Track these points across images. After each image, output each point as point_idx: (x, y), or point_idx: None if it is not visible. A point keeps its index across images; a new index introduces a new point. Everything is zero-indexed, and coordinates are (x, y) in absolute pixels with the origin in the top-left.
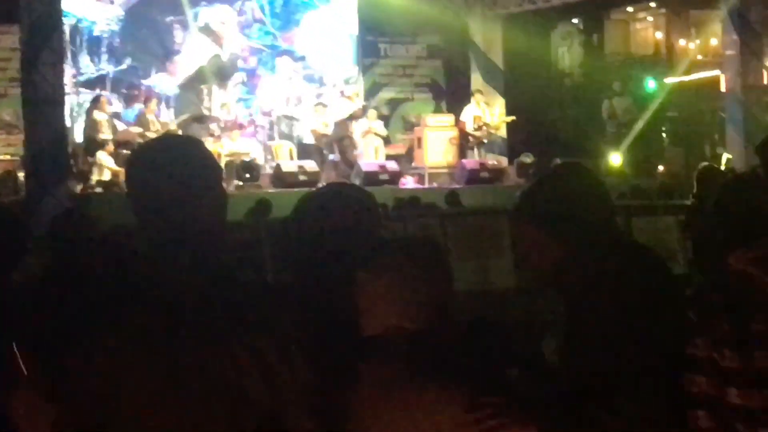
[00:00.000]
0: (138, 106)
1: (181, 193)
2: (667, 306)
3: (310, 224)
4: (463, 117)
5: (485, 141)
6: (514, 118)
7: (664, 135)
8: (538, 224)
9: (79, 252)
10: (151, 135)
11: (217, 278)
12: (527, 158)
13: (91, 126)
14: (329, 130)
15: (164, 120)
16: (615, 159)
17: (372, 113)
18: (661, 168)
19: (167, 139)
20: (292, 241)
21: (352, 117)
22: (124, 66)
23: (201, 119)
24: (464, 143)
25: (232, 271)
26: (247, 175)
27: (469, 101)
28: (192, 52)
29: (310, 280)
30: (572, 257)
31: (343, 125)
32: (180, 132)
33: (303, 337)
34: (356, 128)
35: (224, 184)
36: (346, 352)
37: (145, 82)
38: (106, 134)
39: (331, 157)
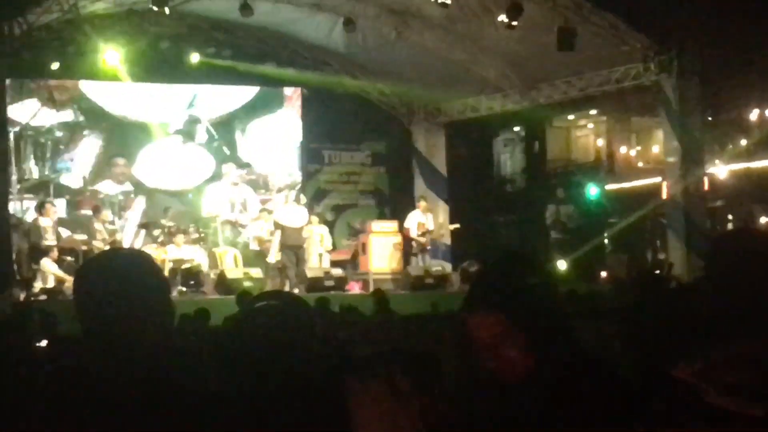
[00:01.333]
0: (85, 212)
1: (129, 307)
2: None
3: (249, 342)
4: (407, 223)
5: (429, 247)
6: (458, 226)
7: (606, 241)
8: (499, 311)
9: (19, 365)
10: (98, 243)
11: (163, 390)
12: (472, 266)
13: (36, 232)
14: (274, 237)
15: (111, 228)
16: (561, 265)
17: (315, 219)
18: (603, 274)
19: (116, 252)
20: (234, 355)
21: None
22: (68, 171)
23: (146, 226)
24: (408, 249)
25: (177, 382)
26: (191, 282)
27: (413, 207)
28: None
29: (252, 392)
30: (538, 347)
31: (297, 233)
32: (126, 239)
33: None
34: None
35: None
36: None
37: (90, 187)
38: (50, 241)
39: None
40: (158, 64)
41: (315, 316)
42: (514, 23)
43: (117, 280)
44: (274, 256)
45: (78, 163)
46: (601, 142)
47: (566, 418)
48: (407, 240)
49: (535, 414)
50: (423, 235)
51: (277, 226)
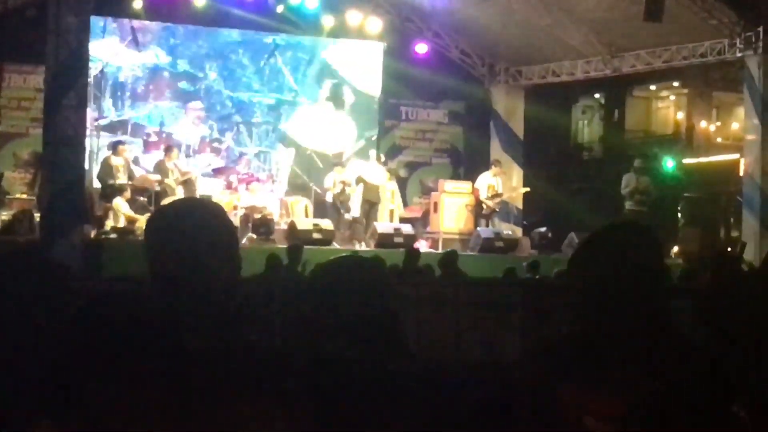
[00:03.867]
0: (157, 153)
1: (197, 256)
2: None
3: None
4: (477, 184)
5: (497, 210)
6: (528, 189)
7: (679, 215)
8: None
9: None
10: (170, 182)
11: (228, 338)
12: (542, 230)
13: (108, 171)
14: (353, 191)
15: (184, 169)
16: None
17: (387, 175)
18: (675, 249)
19: (189, 202)
20: (309, 309)
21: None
22: (146, 112)
23: (220, 171)
24: (478, 211)
25: (242, 331)
26: (261, 230)
27: (487, 169)
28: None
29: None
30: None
31: (376, 190)
32: (200, 181)
33: (311, 404)
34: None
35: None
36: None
37: (166, 129)
38: (122, 180)
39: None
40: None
41: (390, 275)
42: None
43: (188, 228)
44: (357, 210)
45: (155, 105)
46: (680, 115)
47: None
48: (477, 202)
49: None
50: (492, 198)
51: (359, 180)
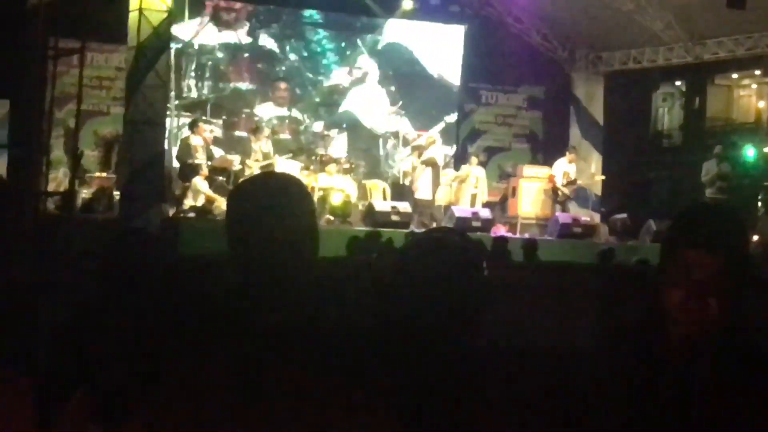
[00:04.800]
0: (240, 134)
1: (278, 232)
2: None
3: (413, 273)
4: (553, 170)
5: (572, 197)
6: (604, 177)
7: (759, 204)
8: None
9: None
10: (251, 163)
11: (307, 317)
12: (621, 216)
13: (187, 150)
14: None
15: (266, 150)
16: None
17: (474, 160)
18: (755, 237)
19: (271, 176)
20: (391, 287)
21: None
22: (227, 92)
23: (299, 151)
24: (553, 197)
25: (320, 311)
26: (339, 212)
27: (564, 155)
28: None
29: (404, 330)
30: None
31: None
32: (279, 162)
33: (389, 386)
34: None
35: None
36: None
37: (247, 110)
38: (201, 159)
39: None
40: None
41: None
42: None
43: (268, 202)
44: (443, 194)
45: (235, 85)
46: (762, 104)
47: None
48: (553, 188)
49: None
50: (567, 185)
51: (433, 165)
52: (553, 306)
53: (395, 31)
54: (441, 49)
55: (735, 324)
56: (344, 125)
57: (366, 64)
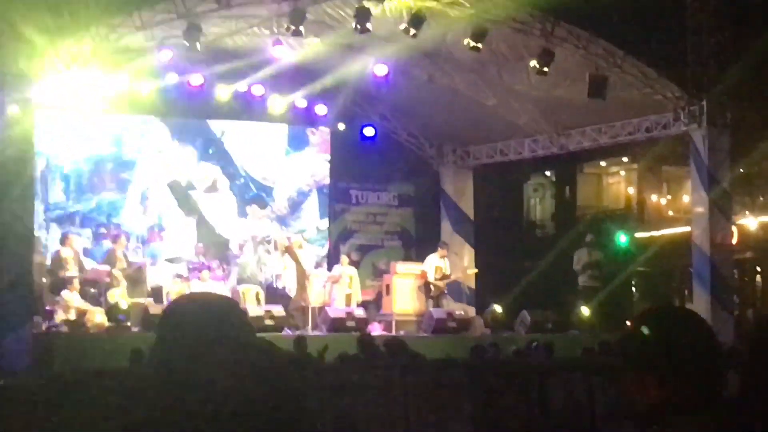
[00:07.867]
0: (107, 244)
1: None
2: None
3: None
4: (424, 266)
5: (445, 291)
6: (476, 270)
7: (633, 289)
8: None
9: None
10: (117, 273)
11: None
12: (497, 309)
13: (58, 263)
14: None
15: (132, 259)
16: (585, 311)
17: (345, 260)
18: (629, 323)
19: (206, 296)
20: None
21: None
22: (92, 204)
23: (172, 260)
24: (427, 292)
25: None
26: None
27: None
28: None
29: None
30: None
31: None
32: (149, 270)
33: None
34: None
35: None
36: None
37: (114, 220)
38: (72, 272)
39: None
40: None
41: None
42: (546, 69)
43: (206, 323)
44: (316, 295)
45: (99, 196)
46: (631, 190)
47: None
48: (426, 283)
49: None
50: (441, 279)
51: (299, 266)
52: (426, 402)
53: (258, 135)
54: (309, 150)
55: None
56: (218, 231)
57: (214, 171)
